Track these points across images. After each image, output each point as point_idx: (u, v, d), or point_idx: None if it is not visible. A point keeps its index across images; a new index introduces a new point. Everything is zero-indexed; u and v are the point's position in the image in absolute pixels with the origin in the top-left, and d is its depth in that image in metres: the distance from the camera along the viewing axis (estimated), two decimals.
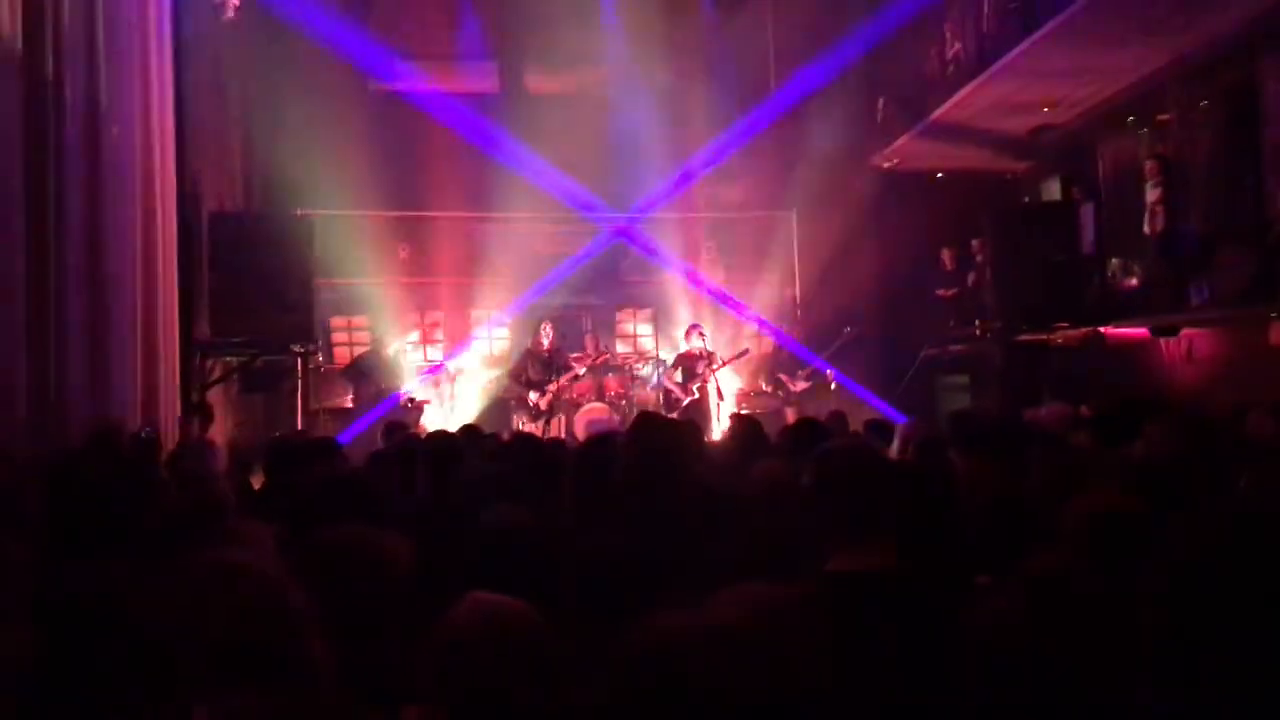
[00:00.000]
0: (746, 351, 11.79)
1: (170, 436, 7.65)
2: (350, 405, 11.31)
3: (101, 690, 1.46)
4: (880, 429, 5.88)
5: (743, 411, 10.55)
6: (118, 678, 1.41)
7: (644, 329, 13.19)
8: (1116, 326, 9.54)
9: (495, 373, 12.52)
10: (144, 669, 1.37)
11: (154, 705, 1.43)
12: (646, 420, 2.97)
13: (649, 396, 11.66)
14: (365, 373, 11.24)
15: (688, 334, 11.27)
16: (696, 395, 10.74)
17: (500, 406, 11.74)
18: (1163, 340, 9.09)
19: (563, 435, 10.34)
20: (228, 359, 9.59)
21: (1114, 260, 10.27)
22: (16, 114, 5.59)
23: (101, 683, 1.64)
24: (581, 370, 10.98)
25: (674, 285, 13.11)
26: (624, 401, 11.48)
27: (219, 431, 9.16)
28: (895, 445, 5.23)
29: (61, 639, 1.82)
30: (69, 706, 1.75)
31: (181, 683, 1.36)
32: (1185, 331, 8.86)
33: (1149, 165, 9.66)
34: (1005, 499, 2.80)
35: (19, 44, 5.62)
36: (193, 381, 8.82)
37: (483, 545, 2.70)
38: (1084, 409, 7.08)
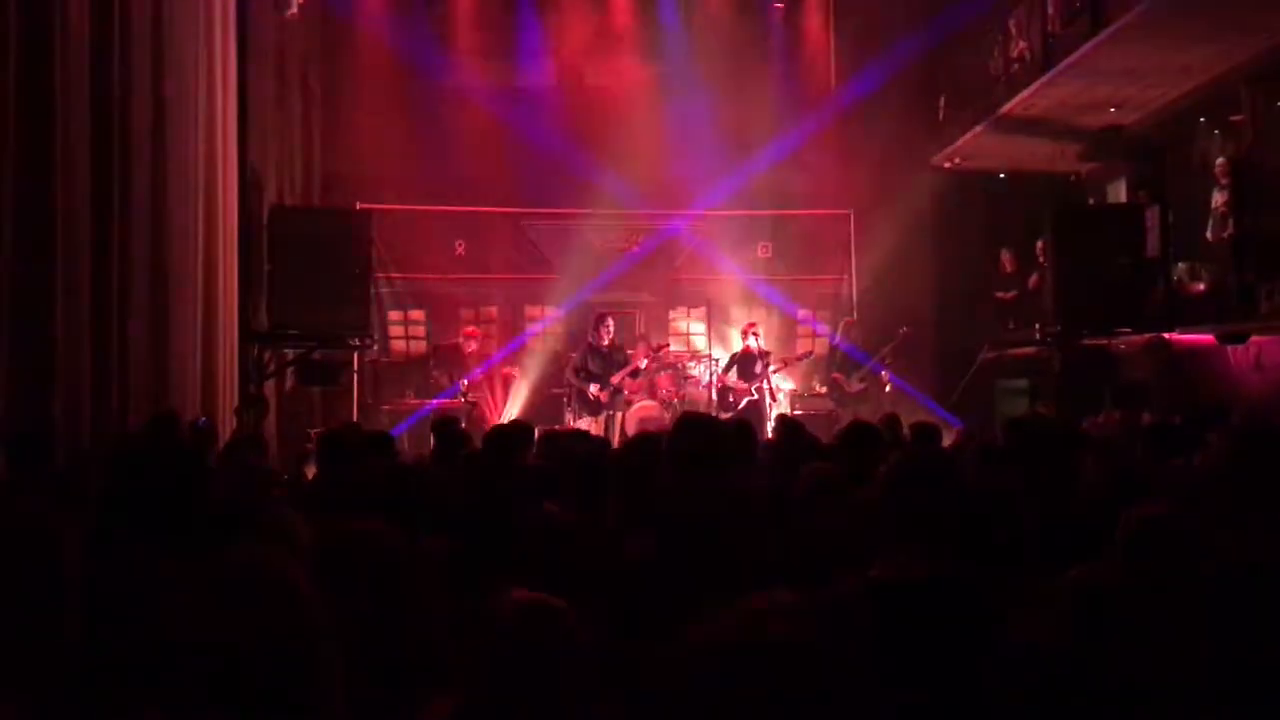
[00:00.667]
0: (811, 353, 11.71)
1: (227, 427, 7.78)
2: (410, 399, 11.41)
3: (117, 680, 1.48)
4: (924, 433, 5.76)
5: (793, 414, 10.49)
6: (134, 669, 1.42)
7: (697, 327, 13.15)
8: (1182, 332, 9.30)
9: (547, 369, 12.55)
10: (153, 664, 1.37)
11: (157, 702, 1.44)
12: (687, 421, 2.95)
13: (701, 395, 11.62)
14: (434, 365, 11.36)
15: (744, 333, 11.23)
16: (755, 395, 10.72)
17: (553, 403, 11.77)
18: (1230, 347, 8.84)
19: (617, 433, 10.34)
20: (285, 351, 9.72)
21: (1180, 264, 10.02)
22: (85, 107, 5.72)
23: (119, 672, 1.67)
24: (642, 364, 10.98)
25: (728, 284, 13.05)
26: (676, 400, 11.45)
27: (273, 423, 9.30)
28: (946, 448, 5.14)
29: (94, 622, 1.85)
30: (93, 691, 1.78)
31: (181, 683, 1.35)
32: (1254, 338, 8.61)
33: (1219, 167, 9.40)
34: (1057, 509, 2.74)
35: (87, 37, 5.75)
36: (250, 373, 8.95)
37: (525, 542, 2.70)
38: (1146, 417, 6.93)
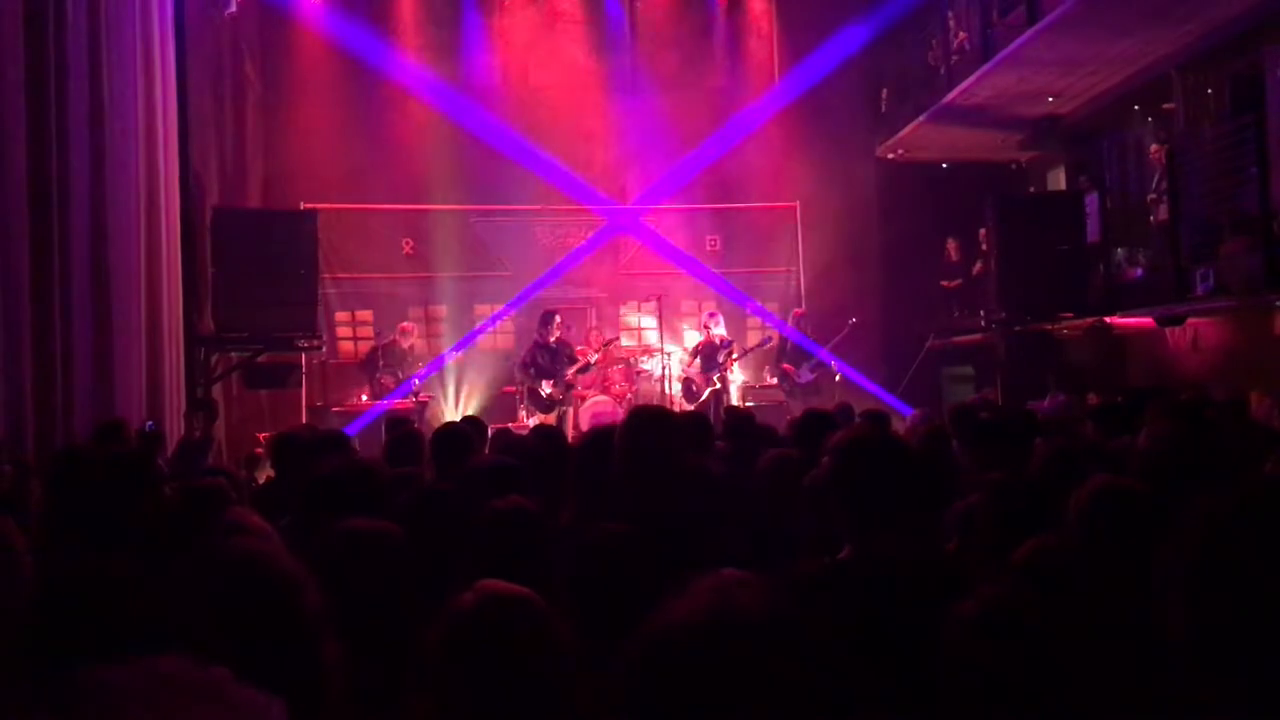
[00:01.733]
0: (770, 339, 11.79)
1: (174, 432, 7.67)
2: (362, 400, 11.30)
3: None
4: (875, 419, 5.84)
5: (745, 405, 10.56)
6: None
7: (648, 321, 13.18)
8: (1122, 316, 9.51)
9: (498, 366, 12.52)
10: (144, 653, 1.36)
11: None
12: (637, 413, 2.97)
13: (654, 390, 11.66)
14: (376, 365, 11.22)
15: (704, 323, 11.29)
16: (718, 385, 10.77)
17: (504, 399, 11.73)
18: (1168, 330, 9.06)
19: (570, 429, 10.34)
20: (231, 354, 9.60)
21: (1119, 250, 10.24)
22: (20, 106, 5.59)
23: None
24: (593, 358, 10.99)
25: (678, 277, 13.10)
26: (629, 395, 11.48)
27: (222, 427, 9.18)
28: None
29: (58, 624, 1.83)
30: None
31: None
32: (1191, 321, 8.84)
33: (1154, 154, 9.62)
34: (1007, 489, 2.80)
35: (22, 35, 5.62)
36: (196, 377, 8.82)
37: (486, 534, 2.70)
38: (1092, 398, 7.08)
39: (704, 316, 11.62)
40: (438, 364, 12.25)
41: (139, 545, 2.92)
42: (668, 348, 12.04)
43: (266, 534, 2.60)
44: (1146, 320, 9.23)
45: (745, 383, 12.09)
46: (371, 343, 11.99)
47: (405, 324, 11.83)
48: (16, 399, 5.34)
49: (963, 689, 1.51)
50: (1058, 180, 12.13)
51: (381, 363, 11.27)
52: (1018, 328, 10.22)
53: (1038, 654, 1.48)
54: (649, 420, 3.10)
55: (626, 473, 2.86)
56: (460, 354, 12.58)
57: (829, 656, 1.19)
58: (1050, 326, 10.18)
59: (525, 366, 10.82)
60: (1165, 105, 9.96)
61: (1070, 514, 2.29)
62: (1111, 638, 1.61)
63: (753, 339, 12.26)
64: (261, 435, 10.01)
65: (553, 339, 10.77)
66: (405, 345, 11.50)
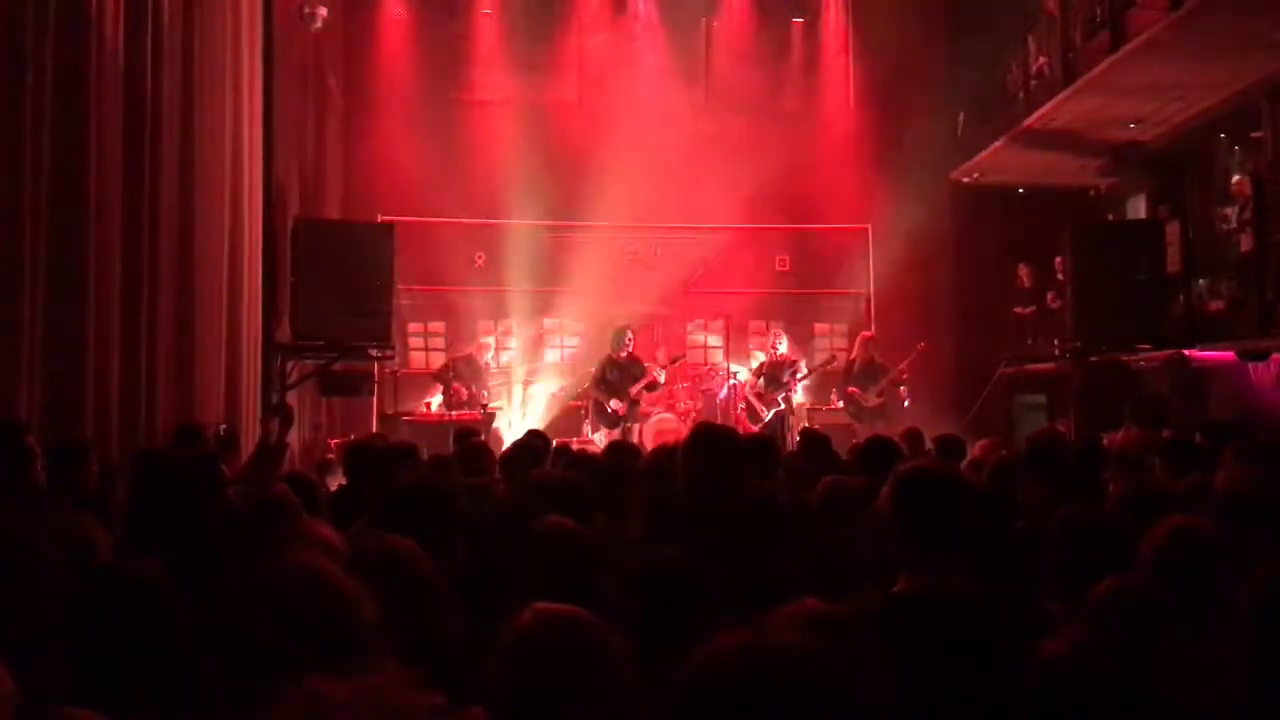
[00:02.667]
0: (834, 359, 11.72)
1: (251, 437, 7.85)
2: (426, 409, 11.46)
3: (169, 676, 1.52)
4: (949, 447, 5.79)
5: (813, 427, 10.48)
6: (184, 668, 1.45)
7: (714, 340, 13.18)
8: (1202, 349, 9.28)
9: (565, 381, 12.61)
10: (213, 661, 1.41)
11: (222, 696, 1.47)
12: (702, 431, 2.97)
13: (719, 408, 11.64)
14: (457, 376, 11.37)
15: (771, 343, 11.26)
16: (783, 406, 10.70)
17: (570, 415, 11.81)
18: (1251, 365, 8.82)
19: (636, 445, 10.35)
20: (307, 361, 9.79)
21: (1200, 281, 10.00)
22: (118, 121, 5.80)
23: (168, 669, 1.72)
24: (660, 376, 11.00)
25: (746, 297, 13.08)
26: (694, 413, 11.47)
27: (296, 433, 9.37)
28: (966, 464, 5.15)
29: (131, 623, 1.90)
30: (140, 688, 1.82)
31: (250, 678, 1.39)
32: (1275, 356, 8.59)
33: (1239, 183, 9.38)
34: (1078, 525, 2.75)
35: (121, 55, 5.84)
36: (273, 383, 9.03)
37: (535, 553, 2.72)
38: (1166, 433, 6.91)
39: (770, 336, 11.57)
40: (505, 377, 12.38)
41: (207, 550, 3.01)
42: (733, 367, 12.01)
43: (331, 545, 2.65)
44: (1228, 354, 8.99)
45: (810, 404, 12.01)
46: (444, 354, 12.16)
47: (483, 340, 11.96)
48: (104, 402, 5.53)
49: None
50: (1138, 208, 11.89)
51: (452, 374, 11.41)
52: (1094, 358, 10.02)
53: (1128, 697, 1.46)
54: (711, 441, 3.10)
55: (687, 493, 2.87)
56: (528, 367, 12.70)
57: (878, 695, 1.20)
58: (1127, 357, 9.97)
59: (596, 382, 10.87)
60: (1253, 134, 9.72)
61: (1144, 554, 2.25)
62: (1186, 680, 1.59)
63: (818, 361, 12.19)
64: (333, 442, 10.21)
65: (624, 354, 10.80)
66: (481, 360, 11.62)
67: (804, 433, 5.76)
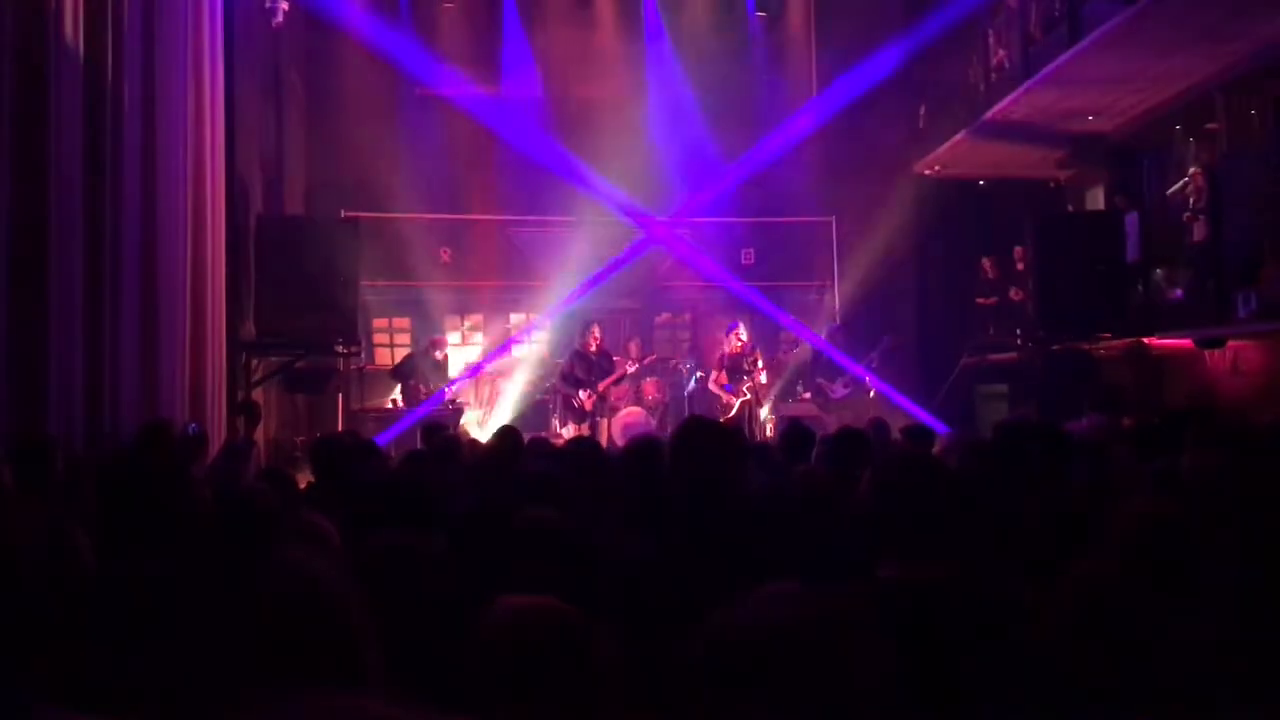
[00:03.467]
0: (799, 348, 11.78)
1: (217, 435, 7.79)
2: (390, 406, 11.41)
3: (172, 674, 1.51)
4: (918, 435, 5.85)
5: (796, 418, 10.54)
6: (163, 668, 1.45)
7: (682, 334, 13.22)
8: (1160, 337, 9.44)
9: (533, 376, 12.60)
10: (209, 658, 1.41)
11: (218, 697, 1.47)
12: (695, 425, 2.99)
13: (684, 401, 11.68)
14: (410, 373, 11.31)
15: (729, 333, 11.28)
16: (748, 395, 10.74)
17: (538, 409, 11.80)
18: (1208, 352, 8.98)
19: (604, 439, 10.38)
20: (272, 358, 9.72)
21: (1158, 270, 10.16)
22: (79, 117, 5.73)
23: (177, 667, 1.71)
24: (630, 369, 11.01)
25: (713, 290, 13.13)
26: (661, 406, 11.50)
27: (262, 431, 9.30)
28: (936, 453, 5.21)
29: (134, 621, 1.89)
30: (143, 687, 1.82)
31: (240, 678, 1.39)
32: (1231, 343, 8.75)
33: (1195, 174, 9.54)
34: (1048, 511, 2.81)
35: (81, 49, 5.76)
36: (238, 381, 8.96)
37: (518, 546, 2.73)
38: (1126, 421, 7.03)
39: (727, 329, 11.56)
40: (473, 372, 12.35)
41: (183, 551, 2.99)
42: (698, 360, 12.05)
43: (326, 539, 2.65)
44: (1185, 342, 9.15)
45: (777, 396, 12.07)
46: (407, 350, 12.11)
47: (439, 338, 11.92)
48: (68, 400, 5.47)
49: (1020, 708, 1.54)
50: (1097, 199, 12.06)
51: (410, 370, 11.37)
52: (1055, 346, 10.16)
53: (1102, 677, 1.50)
54: (707, 433, 3.11)
55: (678, 484, 2.88)
56: (495, 362, 12.68)
57: (885, 668, 1.22)
58: (1088, 346, 10.11)
59: (564, 377, 10.87)
60: (1208, 125, 9.88)
61: (1113, 538, 2.30)
62: (1155, 661, 1.63)
63: (785, 352, 12.27)
64: (299, 439, 10.14)
65: (593, 349, 10.80)
66: (439, 357, 11.59)
67: (790, 423, 5.76)
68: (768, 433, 10.54)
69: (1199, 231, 9.23)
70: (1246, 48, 8.74)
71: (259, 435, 8.46)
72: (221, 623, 1.44)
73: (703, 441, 2.84)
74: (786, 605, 1.21)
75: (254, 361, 9.48)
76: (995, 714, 1.64)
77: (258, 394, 9.46)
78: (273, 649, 1.40)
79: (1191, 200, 9.29)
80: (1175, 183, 10.22)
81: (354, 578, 1.75)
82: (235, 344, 8.92)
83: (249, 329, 9.28)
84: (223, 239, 8.56)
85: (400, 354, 12.35)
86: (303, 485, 5.67)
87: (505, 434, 5.14)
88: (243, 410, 8.38)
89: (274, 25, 10.14)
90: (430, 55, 12.64)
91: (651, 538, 2.59)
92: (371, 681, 1.41)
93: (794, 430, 5.09)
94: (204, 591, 1.66)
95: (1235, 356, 8.82)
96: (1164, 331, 9.41)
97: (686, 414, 10.64)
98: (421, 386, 11.10)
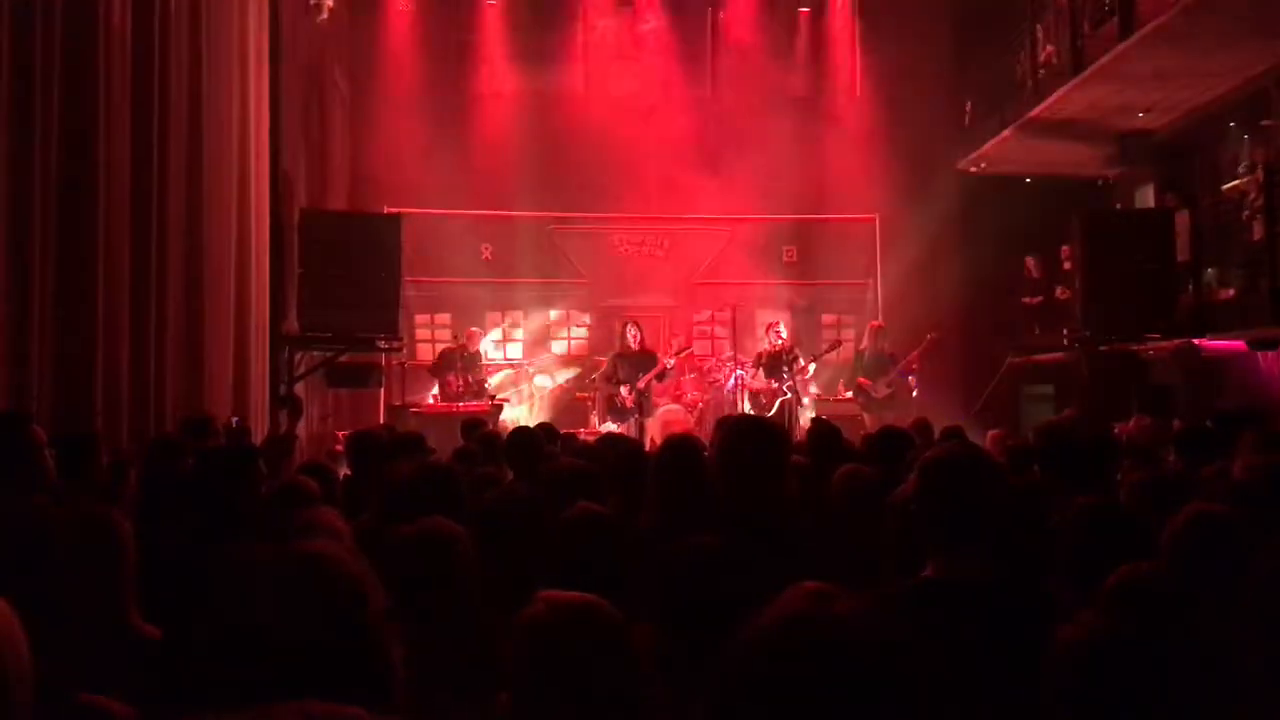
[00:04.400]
0: (839, 343, 11.68)
1: (259, 428, 7.86)
2: (432, 401, 11.47)
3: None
4: (955, 438, 5.74)
5: (820, 417, 10.46)
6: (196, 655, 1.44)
7: (721, 331, 13.15)
8: (1211, 338, 9.25)
9: (571, 373, 12.61)
10: (216, 651, 1.40)
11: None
12: (741, 423, 2.95)
13: (725, 400, 11.62)
14: (447, 368, 11.36)
15: (767, 331, 11.21)
16: (789, 395, 10.66)
17: (577, 407, 11.80)
18: (1261, 354, 8.78)
19: (646, 439, 10.34)
20: (314, 353, 9.80)
21: (1210, 270, 9.96)
22: (126, 113, 5.79)
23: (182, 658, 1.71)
24: (670, 362, 10.96)
25: (754, 288, 13.06)
26: (701, 404, 11.46)
27: (304, 425, 9.38)
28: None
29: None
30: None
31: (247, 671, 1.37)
32: None
33: (1249, 171, 9.34)
34: (1095, 514, 2.74)
35: (129, 45, 5.83)
36: (280, 375, 9.03)
37: (560, 539, 2.72)
38: (1176, 423, 6.89)
39: (767, 326, 11.47)
40: (513, 369, 12.39)
41: (230, 536, 3.01)
42: (740, 357, 11.99)
43: (340, 534, 2.65)
44: (1238, 343, 8.96)
45: (818, 395, 11.98)
46: (443, 345, 12.17)
47: (471, 329, 11.97)
48: (114, 394, 5.54)
49: (1064, 712, 1.49)
50: (1146, 197, 11.84)
51: (445, 366, 11.42)
52: (1102, 347, 9.99)
53: (1145, 682, 1.46)
54: (754, 430, 3.08)
55: (723, 482, 2.85)
56: (535, 359, 12.71)
57: (928, 668, 1.18)
58: (1136, 347, 9.94)
59: (606, 378, 10.85)
60: (1264, 121, 9.67)
61: (1164, 542, 2.24)
62: (1205, 667, 1.58)
63: (823, 348, 12.13)
64: (341, 433, 10.21)
65: (635, 347, 10.76)
66: (473, 349, 11.62)
67: (813, 423, 5.71)
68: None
69: (1255, 230, 9.04)
70: None
71: (300, 430, 8.54)
72: (231, 606, 1.43)
73: (753, 440, 2.80)
74: (821, 603, 1.17)
75: (297, 356, 9.55)
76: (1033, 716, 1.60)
77: (300, 388, 9.55)
78: (286, 633, 1.38)
79: (1250, 197, 9.09)
80: (1228, 180, 10.01)
81: (373, 568, 1.74)
82: (278, 338, 9.00)
83: (292, 323, 9.35)
84: (267, 233, 8.64)
85: (444, 348, 12.40)
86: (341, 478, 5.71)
87: (539, 430, 5.13)
88: (285, 404, 8.45)
89: (318, 21, 10.22)
90: (473, 51, 12.69)
91: (700, 537, 2.56)
92: (394, 665, 1.40)
93: (820, 430, 5.03)
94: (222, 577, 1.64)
95: None
96: (1215, 332, 9.22)
97: (725, 413, 10.58)
98: (458, 380, 11.15)
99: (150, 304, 6.08)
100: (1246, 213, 9.04)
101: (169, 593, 2.46)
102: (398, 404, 11.49)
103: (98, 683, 1.80)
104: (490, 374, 12.03)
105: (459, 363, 11.35)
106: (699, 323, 13.24)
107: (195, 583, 2.25)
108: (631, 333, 10.81)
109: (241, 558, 1.50)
